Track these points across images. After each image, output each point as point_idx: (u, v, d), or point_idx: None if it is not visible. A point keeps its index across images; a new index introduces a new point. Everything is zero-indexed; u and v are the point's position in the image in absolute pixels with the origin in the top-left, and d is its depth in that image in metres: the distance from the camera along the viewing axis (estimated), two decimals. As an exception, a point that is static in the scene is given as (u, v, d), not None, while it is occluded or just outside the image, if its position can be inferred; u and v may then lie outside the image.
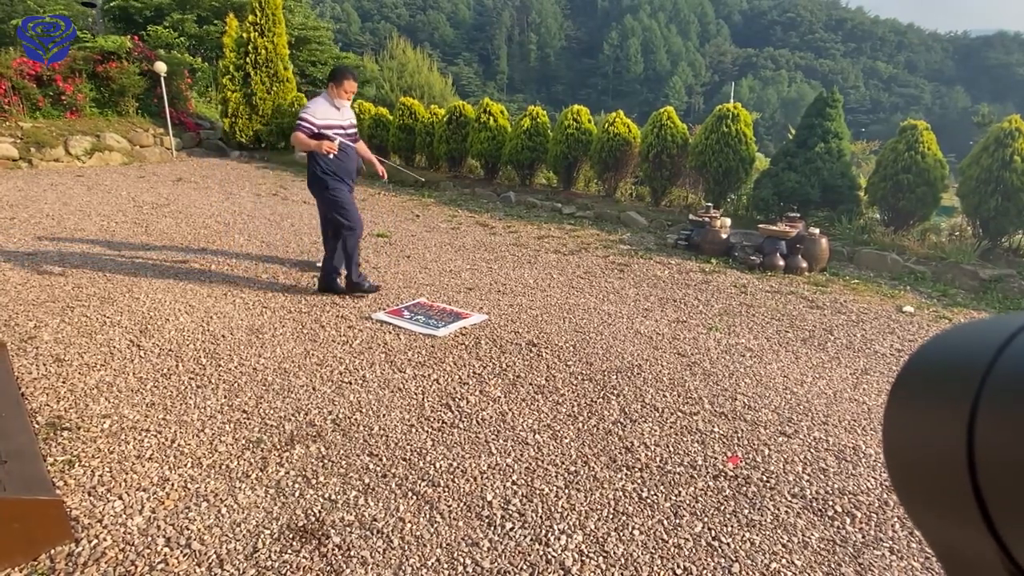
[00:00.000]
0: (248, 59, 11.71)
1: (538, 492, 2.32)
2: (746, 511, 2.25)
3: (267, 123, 12.11)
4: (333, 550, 1.99)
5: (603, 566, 1.96)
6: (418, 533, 2.08)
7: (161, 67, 11.07)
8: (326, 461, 2.48)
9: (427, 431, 2.73)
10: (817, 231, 5.66)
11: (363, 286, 4.49)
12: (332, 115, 4.31)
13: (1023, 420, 0.20)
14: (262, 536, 2.04)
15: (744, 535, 2.13)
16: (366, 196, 8.84)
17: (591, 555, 2.01)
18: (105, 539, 2.00)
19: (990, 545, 0.21)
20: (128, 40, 11.80)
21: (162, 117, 11.57)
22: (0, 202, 7.26)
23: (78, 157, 10.44)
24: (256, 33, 11.66)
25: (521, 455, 2.56)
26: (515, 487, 2.35)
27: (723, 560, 2.00)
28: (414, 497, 2.27)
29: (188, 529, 2.06)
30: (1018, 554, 0.21)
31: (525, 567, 1.95)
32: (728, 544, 2.08)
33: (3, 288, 4.38)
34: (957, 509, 0.23)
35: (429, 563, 1.95)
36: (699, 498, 2.32)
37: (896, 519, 2.24)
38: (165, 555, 1.94)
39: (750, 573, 1.96)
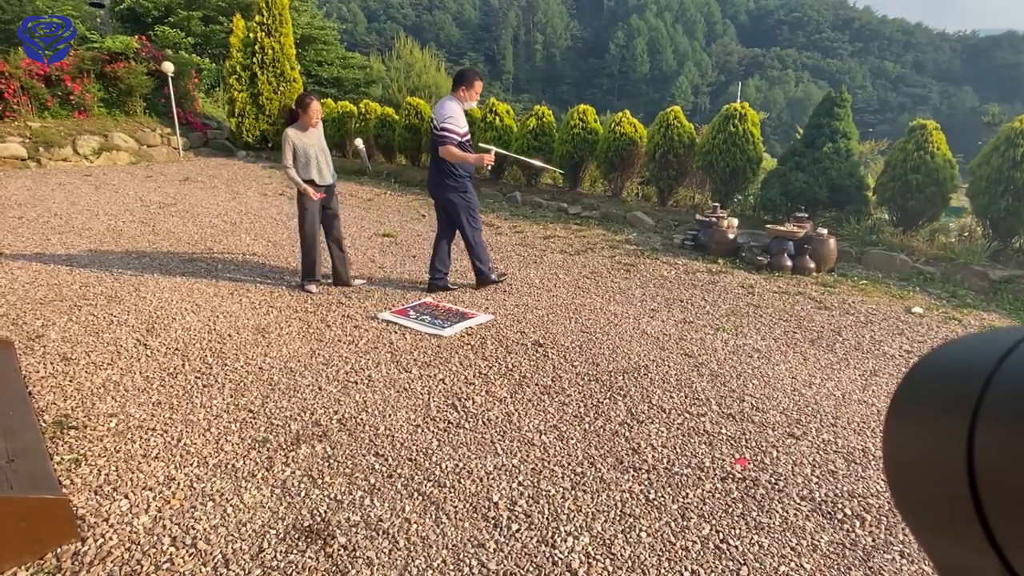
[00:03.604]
0: (255, 59, 11.74)
1: (544, 493, 2.31)
2: (754, 513, 2.23)
3: (274, 123, 12.14)
4: (339, 550, 1.98)
5: (610, 568, 1.94)
6: (424, 534, 2.07)
7: (168, 67, 11.13)
8: (332, 461, 2.47)
9: (433, 431, 2.73)
10: (825, 231, 5.61)
11: (491, 278, 4.66)
12: (464, 121, 4.25)
13: (1022, 431, 0.20)
14: (268, 536, 2.04)
15: (752, 538, 2.11)
16: (372, 196, 8.86)
17: (598, 557, 1.99)
18: (111, 538, 2.00)
19: (990, 557, 0.21)
20: (135, 40, 11.87)
21: (169, 117, 11.63)
22: (9, 201, 7.30)
23: (86, 156, 10.50)
24: (263, 33, 11.68)
25: (527, 456, 2.55)
26: (521, 488, 2.34)
27: (731, 563, 1.99)
28: (420, 498, 2.26)
29: (194, 528, 2.06)
30: (1018, 566, 0.21)
31: (531, 569, 1.93)
32: (736, 547, 2.06)
33: (11, 287, 4.40)
34: (957, 521, 0.23)
35: (435, 564, 1.94)
36: (707, 500, 2.30)
37: (906, 522, 2.21)
38: (171, 554, 1.94)
39: (759, 576, 1.94)
